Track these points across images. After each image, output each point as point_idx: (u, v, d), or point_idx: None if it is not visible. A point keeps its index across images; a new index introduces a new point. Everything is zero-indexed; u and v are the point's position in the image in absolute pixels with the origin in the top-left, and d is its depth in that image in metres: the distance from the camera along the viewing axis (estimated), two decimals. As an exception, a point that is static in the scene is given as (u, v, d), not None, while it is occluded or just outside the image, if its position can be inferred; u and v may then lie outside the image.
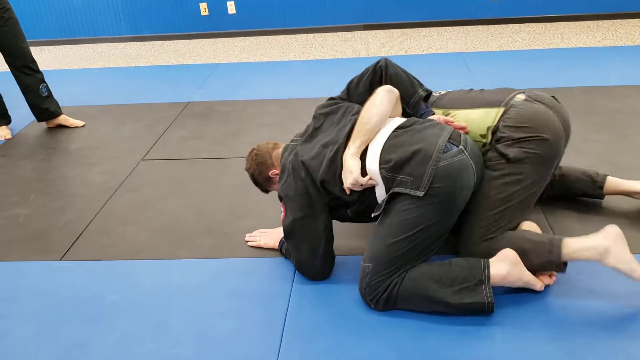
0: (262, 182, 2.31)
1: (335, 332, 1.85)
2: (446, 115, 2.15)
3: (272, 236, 2.32)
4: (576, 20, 5.69)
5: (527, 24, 5.72)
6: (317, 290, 2.06)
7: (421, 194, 1.83)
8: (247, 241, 2.37)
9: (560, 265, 1.92)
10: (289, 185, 2.07)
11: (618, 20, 5.60)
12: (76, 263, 2.33)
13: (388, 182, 1.91)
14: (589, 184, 2.44)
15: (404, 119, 2.07)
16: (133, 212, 2.68)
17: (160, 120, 3.82)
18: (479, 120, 2.09)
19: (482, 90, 2.28)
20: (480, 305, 1.83)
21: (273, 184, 2.29)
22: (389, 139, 1.96)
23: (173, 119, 3.83)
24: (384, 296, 1.87)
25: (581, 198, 2.50)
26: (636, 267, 1.82)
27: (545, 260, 1.92)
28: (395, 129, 2.00)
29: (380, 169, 1.91)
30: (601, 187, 2.42)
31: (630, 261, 1.83)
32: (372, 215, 1.97)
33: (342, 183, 1.96)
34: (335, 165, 1.96)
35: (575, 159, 2.87)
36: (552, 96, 2.21)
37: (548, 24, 5.67)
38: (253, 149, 2.31)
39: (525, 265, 1.91)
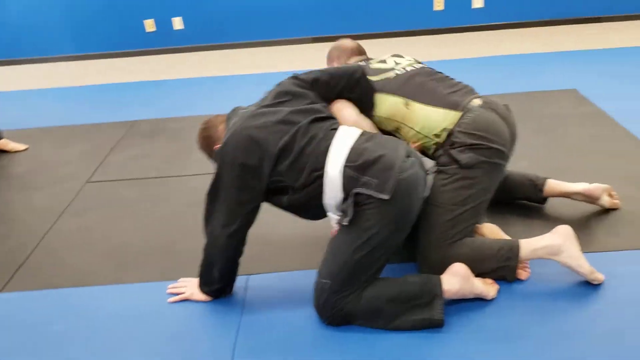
0: (210, 156, 2.20)
1: (286, 353, 1.85)
2: (406, 105, 2.15)
3: (198, 286, 2.12)
4: (516, 28, 5.86)
5: (468, 33, 5.87)
6: (268, 310, 2.05)
7: (386, 197, 1.80)
8: (170, 293, 2.17)
9: (515, 269, 2.01)
10: (230, 150, 1.91)
11: (554, 27, 5.80)
12: (18, 294, 2.26)
13: (351, 182, 1.85)
14: (530, 188, 2.52)
15: (364, 130, 2.06)
16: (78, 237, 2.63)
17: (106, 140, 3.76)
18: (436, 119, 2.12)
19: (446, 78, 2.29)
20: (432, 322, 1.87)
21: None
22: (355, 141, 1.92)
23: (119, 138, 3.77)
24: (341, 314, 1.88)
25: (524, 202, 2.58)
26: (583, 263, 1.98)
27: (503, 264, 2.01)
28: (360, 134, 1.97)
29: (345, 167, 1.85)
30: (541, 191, 2.50)
31: (579, 257, 1.98)
32: (337, 222, 1.92)
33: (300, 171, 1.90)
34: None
35: (515, 163, 2.94)
36: (505, 105, 2.28)
37: (489, 32, 5.83)
38: (203, 124, 2.22)
39: (483, 270, 1.99)
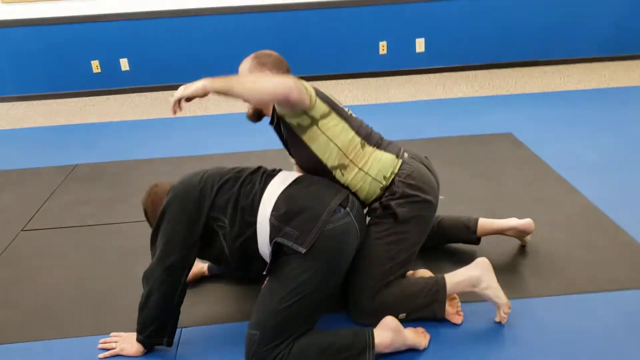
0: (152, 218, 2.21)
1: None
2: (362, 146, 2.12)
3: (130, 340, 2.07)
4: (457, 71, 6.07)
5: (412, 76, 6.03)
6: (200, 362, 2.03)
7: (303, 250, 1.85)
8: (101, 348, 2.11)
9: (444, 303, 2.08)
10: (177, 186, 2.06)
11: (493, 70, 6.03)
12: (-60, 352, 2.18)
13: (274, 232, 1.91)
14: (463, 230, 2.59)
15: (302, 174, 2.12)
16: (7, 291, 2.54)
17: (44, 185, 3.68)
18: (386, 163, 2.14)
19: (372, 130, 2.28)
20: None
21: None
22: (285, 189, 1.99)
23: (58, 184, 3.70)
24: None
25: (459, 245, 2.64)
26: (500, 294, 2.08)
27: (432, 299, 2.06)
28: (293, 182, 2.03)
29: (271, 215, 1.93)
30: (475, 232, 2.56)
31: (496, 288, 2.08)
32: (262, 273, 1.96)
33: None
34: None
35: (452, 206, 3.03)
36: (425, 157, 2.34)
37: (431, 75, 6.01)
38: (155, 185, 2.25)
39: (414, 307, 2.05)
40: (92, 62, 5.93)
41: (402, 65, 6.07)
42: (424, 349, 2.01)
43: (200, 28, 5.85)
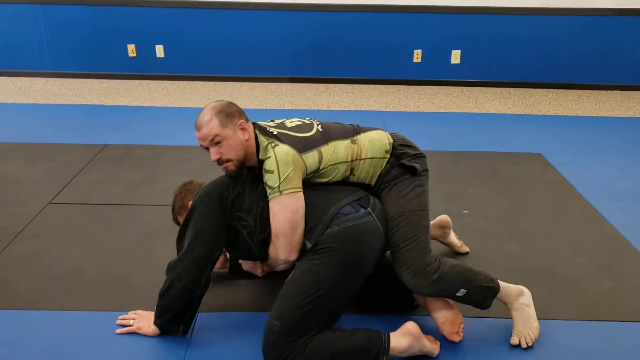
0: (178, 208, 2.36)
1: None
2: (353, 142, 2.15)
3: (148, 320, 2.11)
4: (490, 86, 6.03)
5: (445, 87, 6.02)
6: (214, 351, 2.05)
7: (309, 245, 1.95)
8: (119, 324, 2.16)
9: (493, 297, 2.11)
10: (209, 186, 2.12)
11: (528, 89, 5.99)
12: (-37, 312, 2.23)
13: None
14: None
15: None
16: (32, 260, 2.60)
17: (74, 162, 3.74)
18: (379, 138, 2.20)
19: (347, 125, 2.30)
20: None
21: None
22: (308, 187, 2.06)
23: (87, 161, 3.76)
24: None
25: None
26: (535, 317, 2.11)
27: (488, 285, 2.08)
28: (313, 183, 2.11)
29: None
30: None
31: (533, 311, 2.12)
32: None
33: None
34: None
35: (476, 222, 3.03)
36: None
37: (464, 88, 5.99)
38: (190, 182, 2.41)
39: (472, 287, 2.04)
40: (128, 45, 6.01)
41: (435, 76, 6.05)
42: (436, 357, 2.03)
43: (236, 22, 5.90)
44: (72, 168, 3.64)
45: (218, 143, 2.03)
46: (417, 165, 2.16)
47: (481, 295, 2.08)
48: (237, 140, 2.04)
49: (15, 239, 2.77)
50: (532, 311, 2.11)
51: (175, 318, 2.04)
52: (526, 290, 2.14)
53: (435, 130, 4.56)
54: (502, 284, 2.12)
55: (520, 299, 2.11)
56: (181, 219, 2.31)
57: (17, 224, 2.90)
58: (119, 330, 2.13)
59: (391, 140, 2.20)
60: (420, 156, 2.22)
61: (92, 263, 2.58)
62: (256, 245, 2.09)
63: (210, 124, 2.03)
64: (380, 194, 2.17)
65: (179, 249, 2.07)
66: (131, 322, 2.15)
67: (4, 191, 3.29)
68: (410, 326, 1.98)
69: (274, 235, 2.01)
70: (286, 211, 1.97)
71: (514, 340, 2.08)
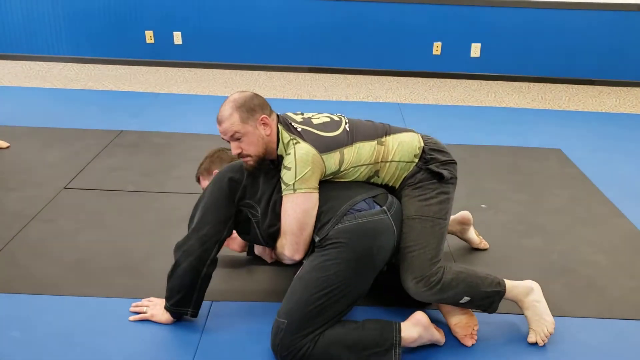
0: (202, 170, 2.45)
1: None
2: (380, 144, 2.10)
3: (162, 307, 2.10)
4: (510, 81, 5.96)
5: (464, 80, 5.95)
6: (227, 339, 2.04)
7: (317, 239, 1.94)
8: (133, 311, 2.15)
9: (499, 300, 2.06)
10: (225, 168, 2.13)
11: (548, 84, 5.90)
12: (-23, 295, 2.23)
13: None
14: None
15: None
16: (46, 244, 2.60)
17: (90, 147, 3.74)
18: (409, 141, 2.14)
19: (377, 124, 2.24)
20: None
21: (207, 179, 2.41)
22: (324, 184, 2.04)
23: (103, 147, 3.76)
24: (296, 357, 1.86)
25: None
26: (549, 312, 2.06)
27: (494, 291, 2.02)
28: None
29: None
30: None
31: (546, 306, 2.07)
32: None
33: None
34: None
35: (494, 216, 2.99)
36: None
37: (484, 82, 5.91)
38: (224, 151, 2.47)
39: (477, 294, 1.99)
40: (146, 32, 6.00)
41: (454, 69, 5.98)
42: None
43: (256, 9, 5.86)
44: (88, 153, 3.64)
45: (238, 139, 2.01)
46: (445, 172, 2.10)
47: (486, 300, 2.03)
48: (257, 136, 2.01)
49: (30, 223, 2.77)
50: (543, 307, 2.06)
51: (183, 300, 2.02)
52: (535, 286, 2.08)
53: (453, 124, 4.50)
54: (509, 284, 2.05)
55: (530, 296, 2.05)
56: (202, 181, 2.43)
57: (32, 208, 2.91)
58: (132, 317, 2.12)
59: (422, 144, 2.14)
60: (450, 162, 2.16)
61: (106, 249, 2.57)
62: (263, 237, 2.09)
63: (231, 119, 2.00)
64: (401, 194, 2.13)
65: (188, 229, 2.06)
66: (145, 309, 2.14)
67: (19, 175, 3.30)
68: (420, 316, 1.96)
69: (282, 232, 2.00)
70: (297, 210, 1.95)
71: (531, 338, 2.04)
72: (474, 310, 2.08)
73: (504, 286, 2.04)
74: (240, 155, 2.04)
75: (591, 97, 5.52)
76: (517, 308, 2.11)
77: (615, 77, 5.93)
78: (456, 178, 2.17)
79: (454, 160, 2.18)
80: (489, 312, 2.06)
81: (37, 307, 2.17)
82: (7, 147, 3.69)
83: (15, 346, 1.96)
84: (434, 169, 2.10)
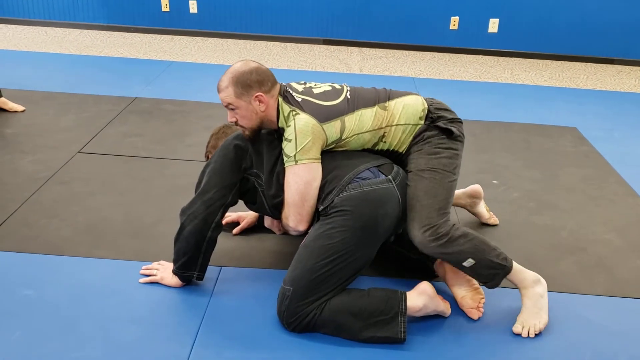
0: (210, 147, 2.43)
1: (246, 347, 1.86)
2: (384, 109, 2.09)
3: (171, 271, 2.12)
4: (527, 58, 5.87)
5: (480, 56, 5.87)
6: (235, 304, 2.06)
7: (321, 207, 1.96)
8: (143, 274, 2.18)
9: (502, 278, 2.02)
10: (231, 136, 2.15)
11: (566, 62, 5.81)
12: (-8, 254, 2.27)
13: None
14: None
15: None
16: (59, 206, 2.63)
17: (104, 113, 3.76)
18: (413, 104, 2.12)
19: (378, 90, 2.22)
20: (395, 340, 1.88)
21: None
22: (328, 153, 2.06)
23: (117, 113, 3.77)
24: (303, 323, 1.88)
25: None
26: (547, 310, 2.01)
27: (500, 263, 1.97)
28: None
29: None
30: None
31: (546, 304, 2.02)
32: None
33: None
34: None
35: (505, 193, 2.98)
36: None
37: (500, 58, 5.84)
38: (229, 127, 2.43)
39: (482, 260, 1.95)
40: (162, 0, 5.97)
41: (471, 44, 5.91)
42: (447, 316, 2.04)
43: (273, -21, 5.82)
44: (102, 119, 3.65)
45: (233, 109, 2.04)
46: (453, 129, 2.09)
47: (490, 270, 1.98)
48: (251, 111, 2.02)
49: (45, 185, 2.80)
50: (545, 303, 2.01)
51: (188, 262, 2.05)
52: (544, 282, 2.03)
53: (468, 100, 4.46)
54: (518, 267, 2.01)
55: (536, 287, 2.01)
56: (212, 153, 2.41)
57: (47, 170, 2.94)
58: (142, 280, 2.15)
59: (426, 106, 2.13)
60: (457, 121, 2.16)
61: (118, 213, 2.60)
62: (269, 207, 2.11)
63: (226, 92, 2.02)
64: (410, 151, 2.12)
65: (197, 183, 2.09)
66: (155, 272, 2.17)
67: (35, 138, 3.33)
68: (425, 286, 1.96)
69: (285, 203, 2.02)
70: (299, 181, 1.96)
71: (517, 328, 1.98)
72: (477, 280, 2.06)
73: (511, 264, 2.00)
74: (236, 124, 2.08)
75: (610, 76, 5.44)
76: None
77: (635, 57, 5.83)
78: (464, 136, 2.16)
79: (459, 119, 2.17)
80: (490, 287, 2.03)
81: (50, 267, 2.21)
82: (23, 111, 3.71)
83: (28, 304, 2.00)
84: (442, 125, 2.09)
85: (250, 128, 2.06)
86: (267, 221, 2.40)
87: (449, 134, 2.09)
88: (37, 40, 5.57)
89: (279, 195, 2.06)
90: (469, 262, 1.96)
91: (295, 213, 2.00)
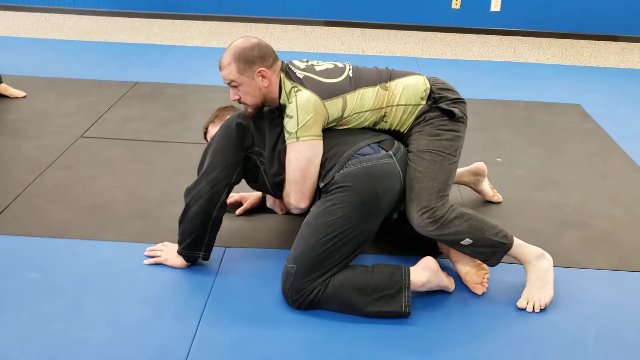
0: (215, 117, 2.42)
1: (251, 325, 1.87)
2: (384, 89, 2.07)
3: (175, 252, 2.12)
4: (530, 36, 5.82)
5: (483, 35, 5.82)
6: (240, 283, 2.07)
7: (321, 184, 1.96)
8: (147, 255, 2.18)
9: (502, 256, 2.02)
10: (234, 115, 2.13)
11: (569, 40, 5.76)
12: (-4, 237, 2.28)
13: None
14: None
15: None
16: (63, 190, 2.63)
17: (106, 98, 3.75)
18: (414, 84, 2.11)
19: (380, 69, 2.20)
20: (399, 314, 1.89)
21: (217, 126, 2.35)
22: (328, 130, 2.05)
23: (119, 97, 3.76)
24: (307, 300, 1.89)
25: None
26: (552, 284, 2.00)
27: (499, 242, 1.97)
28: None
29: None
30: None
31: (552, 277, 2.01)
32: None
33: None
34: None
35: (509, 170, 2.97)
36: None
37: (503, 37, 5.79)
38: (231, 107, 2.45)
39: (481, 239, 1.95)
40: (162, -16, 5.93)
41: (473, 23, 5.86)
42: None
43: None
44: (103, 104, 3.65)
45: (236, 86, 2.02)
46: (455, 110, 2.07)
47: (489, 249, 1.97)
48: (254, 87, 2.01)
49: (48, 169, 2.80)
50: (550, 277, 2.00)
51: (194, 243, 2.04)
52: (549, 256, 2.02)
53: (471, 79, 4.43)
54: (519, 242, 2.00)
55: (540, 261, 2.00)
56: (211, 129, 2.41)
57: (49, 155, 2.94)
58: (147, 261, 2.15)
59: (428, 86, 2.11)
60: (460, 101, 2.13)
61: (121, 196, 2.60)
62: (271, 185, 2.11)
63: (229, 69, 2.00)
64: (411, 132, 2.11)
65: (198, 174, 2.08)
66: (159, 253, 2.17)
67: (37, 123, 3.32)
68: (429, 261, 1.96)
69: (287, 181, 2.01)
70: (301, 159, 1.95)
71: (522, 303, 1.98)
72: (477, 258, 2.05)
73: (512, 241, 1.99)
74: (239, 101, 2.07)
75: (614, 53, 5.39)
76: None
77: (639, 34, 5.77)
78: (466, 117, 2.14)
79: (463, 99, 2.15)
80: (490, 265, 2.02)
81: (54, 250, 2.21)
82: (24, 97, 3.71)
83: (33, 286, 2.01)
84: (444, 107, 2.07)
85: (253, 105, 2.05)
86: (269, 201, 2.40)
87: (450, 115, 2.07)
88: (37, 27, 5.55)
89: (281, 174, 2.05)
90: (466, 242, 1.96)
91: (297, 190, 1.99)
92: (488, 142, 3.29)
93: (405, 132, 2.14)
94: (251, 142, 2.08)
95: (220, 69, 2.03)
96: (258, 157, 2.09)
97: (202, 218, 2.01)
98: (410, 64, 4.74)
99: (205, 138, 2.47)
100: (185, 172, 2.77)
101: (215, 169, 2.02)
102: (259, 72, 1.99)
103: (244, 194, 2.50)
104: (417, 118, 2.10)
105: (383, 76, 2.12)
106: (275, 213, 2.45)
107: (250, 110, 2.07)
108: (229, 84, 2.03)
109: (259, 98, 2.04)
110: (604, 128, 3.54)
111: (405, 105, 2.09)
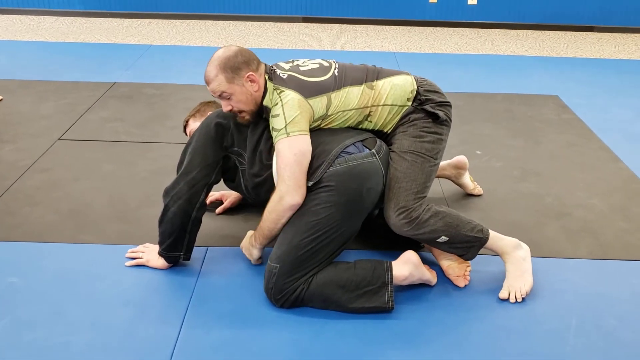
0: (196, 111, 2.40)
1: (235, 325, 1.86)
2: (370, 88, 2.07)
3: (157, 253, 2.11)
4: (507, 29, 5.87)
5: (460, 29, 5.86)
6: (223, 282, 2.06)
7: (310, 183, 1.92)
8: (129, 257, 2.16)
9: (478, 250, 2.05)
10: (213, 114, 2.12)
11: (546, 32, 5.81)
12: (-26, 243, 2.24)
13: None
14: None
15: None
16: (42, 193, 2.60)
17: (83, 99, 3.71)
18: (402, 85, 2.10)
19: (367, 67, 2.19)
20: (383, 309, 1.90)
21: (198, 121, 2.33)
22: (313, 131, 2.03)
23: (96, 98, 3.72)
24: (290, 299, 1.89)
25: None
26: (531, 273, 2.02)
27: (475, 237, 2.00)
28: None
29: None
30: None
31: (530, 267, 2.05)
32: None
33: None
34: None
35: (489, 162, 2.99)
36: None
37: (481, 30, 5.83)
38: (209, 105, 2.43)
39: (456, 235, 1.98)
40: (138, -17, 5.87)
41: (451, 17, 5.89)
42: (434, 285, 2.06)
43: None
44: (81, 105, 3.61)
45: (228, 98, 1.98)
46: (440, 113, 2.08)
47: (465, 244, 2.01)
48: (246, 94, 1.98)
49: (26, 173, 2.76)
50: (528, 266, 2.03)
51: (174, 243, 2.04)
52: (525, 246, 2.06)
53: (449, 72, 4.46)
54: (495, 235, 2.03)
55: (516, 251, 2.03)
56: (192, 123, 2.38)
57: (27, 159, 2.90)
58: (128, 263, 2.14)
59: (415, 87, 2.11)
60: (445, 104, 2.13)
61: (101, 198, 2.58)
62: (247, 187, 2.10)
63: (217, 81, 1.95)
64: (395, 132, 2.11)
65: (179, 164, 2.07)
66: (140, 254, 2.16)
67: (14, 126, 3.28)
68: (410, 255, 1.97)
69: (280, 179, 1.92)
70: (296, 152, 1.90)
71: (504, 293, 2.00)
72: (454, 253, 2.07)
73: (487, 234, 2.02)
74: (232, 112, 2.02)
75: (590, 43, 5.45)
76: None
77: (614, 24, 5.85)
78: (451, 120, 2.15)
79: (449, 102, 2.16)
80: (467, 259, 2.05)
81: (35, 254, 2.19)
82: (0, 100, 3.65)
83: (14, 291, 1.98)
84: (429, 109, 2.08)
85: (249, 111, 2.01)
86: (246, 251, 2.21)
87: (435, 118, 2.08)
88: (11, 29, 5.47)
89: (261, 175, 2.04)
90: (442, 239, 1.99)
91: (295, 185, 1.89)
92: (467, 134, 3.31)
93: (389, 132, 2.14)
94: (231, 142, 2.07)
95: (208, 83, 1.98)
96: (237, 158, 2.08)
97: (181, 219, 1.99)
98: (389, 59, 4.75)
99: (185, 132, 2.44)
100: (166, 172, 2.75)
101: (194, 169, 2.00)
102: (248, 77, 1.96)
103: (224, 192, 2.49)
104: (401, 119, 2.11)
105: (370, 75, 2.11)
106: (257, 212, 2.44)
107: (247, 117, 2.02)
108: (219, 96, 1.98)
109: (253, 103, 2.00)
110: (582, 118, 3.58)
111: (391, 105, 2.09)
